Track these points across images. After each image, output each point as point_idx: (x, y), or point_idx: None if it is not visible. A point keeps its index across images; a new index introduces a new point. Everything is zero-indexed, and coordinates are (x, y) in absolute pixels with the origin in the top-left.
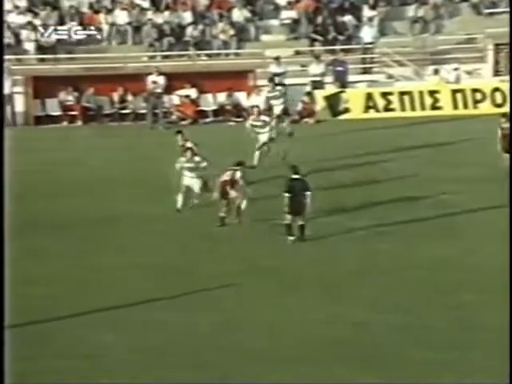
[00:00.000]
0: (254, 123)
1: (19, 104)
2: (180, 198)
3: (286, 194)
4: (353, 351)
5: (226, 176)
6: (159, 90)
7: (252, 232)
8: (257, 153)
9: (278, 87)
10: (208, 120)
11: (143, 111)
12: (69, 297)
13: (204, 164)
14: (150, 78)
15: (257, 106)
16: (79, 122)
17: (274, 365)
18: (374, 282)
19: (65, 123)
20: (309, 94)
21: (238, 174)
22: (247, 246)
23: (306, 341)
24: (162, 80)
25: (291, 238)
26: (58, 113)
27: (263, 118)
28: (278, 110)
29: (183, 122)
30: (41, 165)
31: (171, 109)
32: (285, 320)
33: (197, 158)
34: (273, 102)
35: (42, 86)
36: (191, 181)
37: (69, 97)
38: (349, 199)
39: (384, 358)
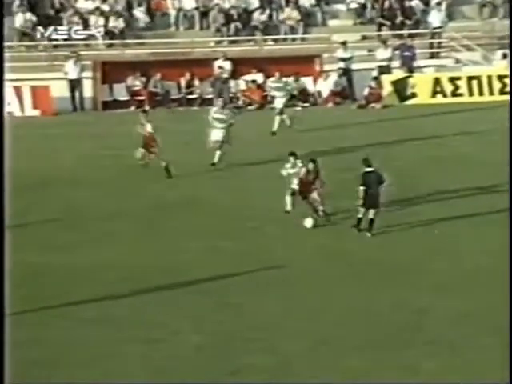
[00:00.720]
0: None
1: (87, 89)
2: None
3: (362, 188)
4: (419, 337)
5: (301, 174)
6: (225, 75)
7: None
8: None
9: (283, 78)
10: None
11: (210, 96)
12: (147, 280)
13: None
14: (217, 63)
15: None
16: (146, 107)
17: (345, 351)
18: (440, 267)
19: (132, 108)
20: (376, 79)
21: (311, 166)
22: (315, 231)
23: (373, 327)
24: (228, 65)
25: (358, 232)
26: (125, 98)
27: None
28: (279, 102)
29: (250, 107)
30: (109, 149)
31: (238, 94)
32: (352, 306)
33: None
34: (275, 93)
35: (110, 72)
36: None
37: (136, 82)
38: (416, 184)
39: (450, 343)
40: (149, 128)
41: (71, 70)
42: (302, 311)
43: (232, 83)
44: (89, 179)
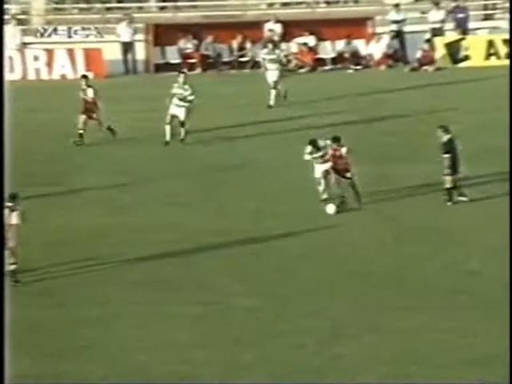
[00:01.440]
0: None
1: (140, 52)
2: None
3: (446, 155)
4: (471, 300)
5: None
6: (276, 38)
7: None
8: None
9: (277, 50)
10: (326, 68)
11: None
12: (202, 241)
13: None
14: (267, 26)
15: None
16: (198, 70)
17: (396, 313)
18: (494, 231)
19: (184, 71)
20: (428, 41)
21: (344, 150)
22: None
23: (424, 289)
24: (279, 28)
25: (450, 203)
26: (177, 60)
27: None
28: (272, 76)
29: (301, 70)
30: (161, 112)
31: (289, 57)
32: (403, 268)
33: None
34: (268, 65)
35: (162, 34)
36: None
37: (188, 45)
38: (471, 148)
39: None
40: (90, 93)
41: (124, 32)
42: (352, 275)
43: (284, 46)
44: (141, 141)
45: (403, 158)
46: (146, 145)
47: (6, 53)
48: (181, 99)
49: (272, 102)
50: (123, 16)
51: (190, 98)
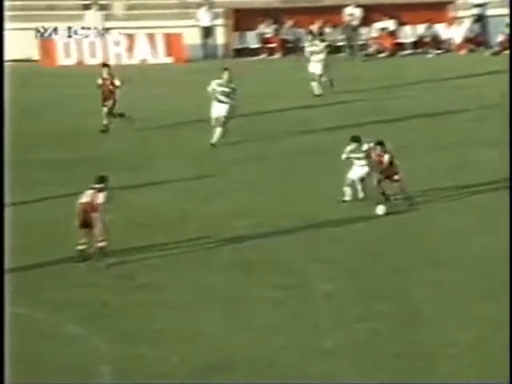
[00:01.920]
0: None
1: (219, 36)
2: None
3: None
4: None
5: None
6: (356, 23)
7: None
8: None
9: (317, 42)
10: (406, 52)
11: (341, 43)
12: (279, 225)
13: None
14: (347, 11)
15: None
16: (277, 55)
17: (476, 300)
18: None
19: (263, 56)
20: (510, 25)
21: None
22: None
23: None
24: (358, 12)
25: None
26: (256, 45)
27: None
28: (315, 68)
29: (381, 55)
30: (242, 97)
31: (369, 41)
32: (486, 255)
33: None
34: (312, 57)
35: (241, 19)
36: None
37: (268, 29)
38: None
39: None
40: (117, 82)
41: (204, 17)
42: (433, 261)
43: (364, 30)
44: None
45: (486, 144)
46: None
47: (89, 38)
48: (225, 95)
49: (317, 92)
50: (203, 1)
51: (233, 96)
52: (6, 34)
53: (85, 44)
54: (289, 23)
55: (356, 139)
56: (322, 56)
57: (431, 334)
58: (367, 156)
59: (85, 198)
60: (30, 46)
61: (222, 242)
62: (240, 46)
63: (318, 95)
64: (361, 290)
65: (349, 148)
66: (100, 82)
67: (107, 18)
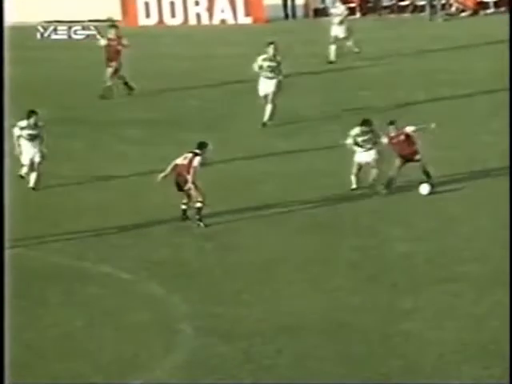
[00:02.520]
0: None
1: None
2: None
3: None
4: None
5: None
6: None
7: None
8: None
9: (338, 3)
10: (489, 11)
11: (422, 3)
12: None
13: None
14: None
15: None
16: (358, 14)
17: None
18: None
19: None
20: None
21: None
22: None
23: None
24: None
25: None
26: None
27: None
28: (337, 31)
29: (463, 14)
30: (319, 57)
31: (451, 0)
32: None
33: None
34: (334, 19)
35: None
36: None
37: None
38: None
39: None
40: (125, 42)
41: None
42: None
43: None
44: (300, 85)
45: None
46: (305, 89)
47: None
48: (271, 70)
49: (332, 58)
50: None
51: (280, 70)
52: None
53: (165, 4)
54: None
55: (366, 123)
56: (341, 18)
57: None
58: (375, 141)
59: (182, 160)
60: (110, 5)
61: (302, 203)
62: (320, 6)
63: (330, 62)
64: (440, 252)
65: (354, 132)
66: (103, 42)
67: None
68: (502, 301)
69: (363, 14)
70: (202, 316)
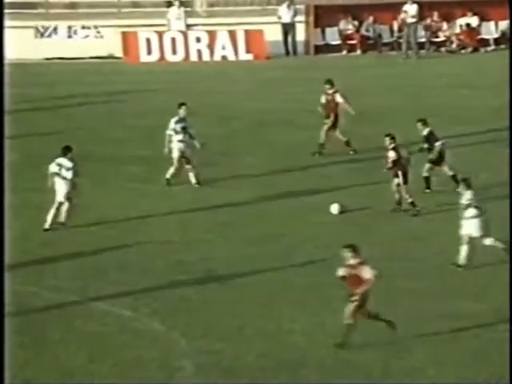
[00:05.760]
0: None
1: (300, 33)
2: None
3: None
4: None
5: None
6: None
7: None
8: None
9: None
10: (489, 49)
11: (422, 40)
12: None
13: None
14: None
15: None
16: (358, 51)
17: None
18: None
19: (344, 52)
20: None
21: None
22: None
23: None
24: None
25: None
26: (337, 42)
27: None
28: None
29: (463, 51)
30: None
31: (452, 37)
32: None
33: None
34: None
35: (322, 15)
36: None
37: (348, 26)
38: None
39: None
40: None
41: (284, 13)
42: None
43: (445, 26)
44: (300, 123)
45: None
46: (305, 126)
47: (170, 34)
48: (185, 132)
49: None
50: None
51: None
52: (90, 32)
53: (166, 40)
54: (369, 19)
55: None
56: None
57: None
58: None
59: None
60: (112, 42)
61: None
62: (320, 43)
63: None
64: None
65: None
66: None
67: (189, 14)
68: None
69: (363, 51)
70: (203, 352)
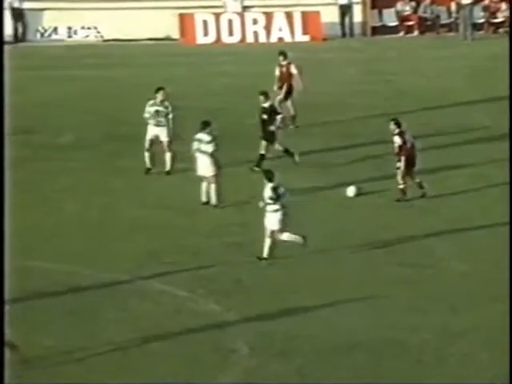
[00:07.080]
0: None
1: (357, 14)
2: None
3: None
4: None
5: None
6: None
7: None
8: None
9: None
10: None
11: (481, 20)
12: None
13: None
14: None
15: None
16: (415, 33)
17: None
18: None
19: (401, 34)
20: None
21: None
22: None
23: None
24: None
25: None
26: (394, 23)
27: None
28: None
29: None
30: (377, 75)
31: None
32: None
33: None
34: None
35: None
36: None
37: (406, 7)
38: None
39: None
40: None
41: None
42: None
43: (503, 7)
44: (357, 104)
45: None
46: (361, 108)
47: (226, 16)
48: (162, 116)
49: None
50: None
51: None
52: (144, 12)
53: (223, 22)
54: (427, 0)
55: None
56: None
57: None
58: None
59: None
60: (169, 23)
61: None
62: (377, 24)
63: None
64: (495, 271)
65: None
66: None
67: None
68: None
69: (421, 33)
70: (258, 334)
